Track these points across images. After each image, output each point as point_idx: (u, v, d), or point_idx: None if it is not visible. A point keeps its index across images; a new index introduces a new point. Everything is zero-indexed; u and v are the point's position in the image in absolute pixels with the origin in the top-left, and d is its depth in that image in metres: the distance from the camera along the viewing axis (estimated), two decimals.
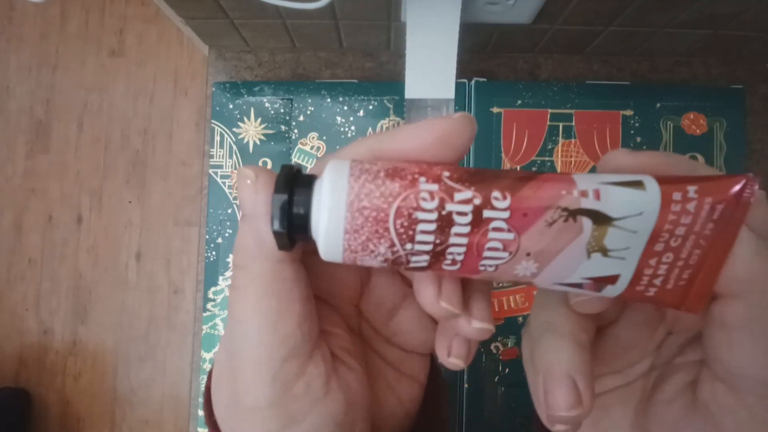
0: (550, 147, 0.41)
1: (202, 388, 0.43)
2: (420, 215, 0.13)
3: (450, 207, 0.13)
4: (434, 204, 0.13)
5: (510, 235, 0.13)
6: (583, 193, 0.13)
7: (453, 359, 0.17)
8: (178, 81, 1.45)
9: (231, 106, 0.44)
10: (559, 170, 0.41)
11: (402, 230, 0.13)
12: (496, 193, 0.13)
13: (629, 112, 0.41)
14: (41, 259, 1.43)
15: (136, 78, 1.45)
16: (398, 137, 0.14)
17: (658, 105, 0.41)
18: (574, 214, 0.13)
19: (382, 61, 0.49)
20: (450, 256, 0.14)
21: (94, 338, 1.41)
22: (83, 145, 1.44)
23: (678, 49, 0.46)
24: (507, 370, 0.40)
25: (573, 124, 0.41)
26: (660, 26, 0.42)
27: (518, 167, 0.41)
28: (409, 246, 0.14)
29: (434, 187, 0.13)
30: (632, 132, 0.41)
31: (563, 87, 0.41)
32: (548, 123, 0.41)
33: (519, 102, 0.41)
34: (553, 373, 0.15)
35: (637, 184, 0.14)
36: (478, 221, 0.13)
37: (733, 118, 0.41)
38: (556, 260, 0.14)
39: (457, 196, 0.13)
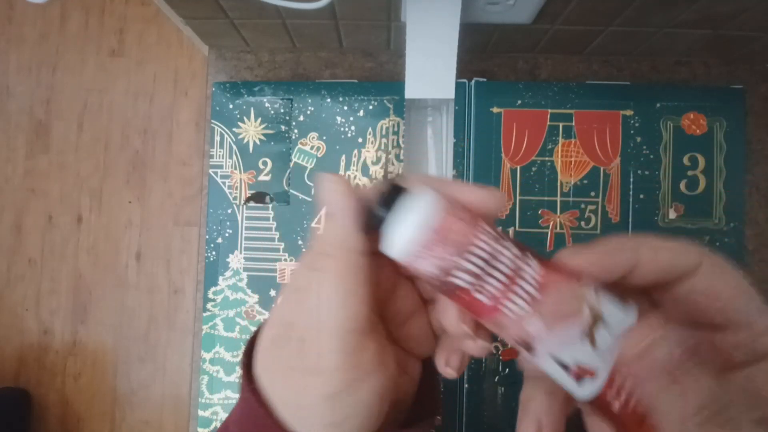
0: (550, 147, 0.41)
1: (202, 388, 0.43)
2: (470, 254, 0.17)
3: (499, 257, 0.17)
4: (485, 250, 0.17)
5: (534, 292, 0.17)
6: (594, 288, 0.17)
7: (449, 369, 0.21)
8: (178, 81, 1.45)
9: (231, 106, 0.43)
10: (558, 170, 0.41)
11: (454, 259, 0.17)
12: (532, 261, 0.17)
13: (629, 112, 0.41)
14: (41, 259, 1.43)
15: (136, 78, 1.45)
16: (463, 190, 0.19)
17: (658, 105, 0.41)
18: (581, 299, 0.17)
19: (382, 61, 0.49)
20: (486, 288, 0.17)
21: (94, 338, 1.41)
22: (83, 145, 1.44)
23: (678, 49, 0.46)
24: (507, 370, 0.40)
25: (573, 124, 0.41)
26: (660, 26, 0.42)
27: (518, 167, 0.41)
28: (455, 273, 0.17)
29: (490, 238, 0.18)
30: (632, 132, 0.41)
31: (563, 87, 0.41)
32: (548, 123, 0.41)
33: (519, 102, 0.41)
34: (524, 410, 0.20)
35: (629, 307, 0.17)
36: (513, 274, 0.17)
37: (733, 118, 0.41)
38: (559, 328, 0.17)
39: (505, 252, 0.17)
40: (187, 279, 1.41)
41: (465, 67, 0.48)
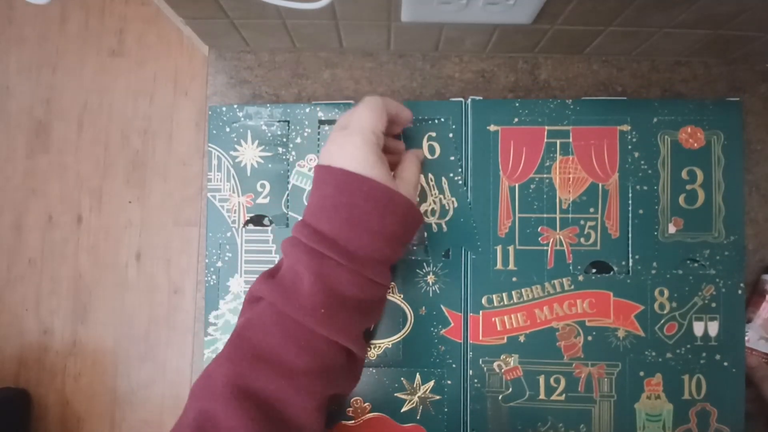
0: (548, 164, 0.41)
1: None
2: None
3: None
4: None
5: None
6: None
7: None
8: (178, 81, 1.45)
9: (228, 130, 0.43)
10: (557, 187, 0.41)
11: None
12: None
13: (626, 128, 0.41)
14: (41, 259, 1.43)
15: (136, 78, 1.45)
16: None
17: (655, 120, 0.41)
18: None
19: (382, 61, 0.49)
20: None
21: (94, 338, 1.41)
22: (83, 145, 1.44)
23: (678, 49, 0.46)
24: (510, 389, 0.40)
25: (570, 140, 0.41)
26: (660, 26, 0.42)
27: (517, 185, 0.41)
28: None
29: None
30: (629, 147, 0.41)
31: (560, 104, 0.41)
32: (546, 140, 0.41)
33: (516, 120, 0.41)
34: None
35: None
36: None
37: (731, 131, 0.40)
38: None
39: None
40: (187, 279, 1.41)
41: (465, 67, 0.48)
